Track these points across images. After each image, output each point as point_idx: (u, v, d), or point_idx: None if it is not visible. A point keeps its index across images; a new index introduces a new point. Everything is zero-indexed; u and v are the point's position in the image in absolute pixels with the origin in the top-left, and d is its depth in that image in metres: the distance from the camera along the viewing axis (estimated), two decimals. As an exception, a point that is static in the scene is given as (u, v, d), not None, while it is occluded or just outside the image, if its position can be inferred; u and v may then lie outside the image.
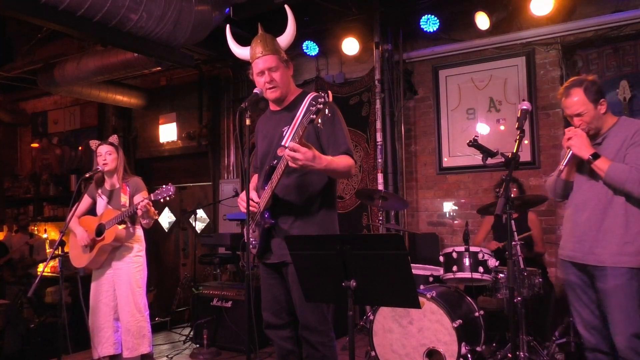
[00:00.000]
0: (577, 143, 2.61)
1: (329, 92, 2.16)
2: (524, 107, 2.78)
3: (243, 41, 2.78)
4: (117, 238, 3.71)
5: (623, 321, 2.56)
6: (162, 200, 3.51)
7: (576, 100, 2.66)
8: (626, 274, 2.54)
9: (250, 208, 2.49)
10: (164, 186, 3.51)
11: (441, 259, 3.94)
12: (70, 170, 8.47)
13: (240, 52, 2.75)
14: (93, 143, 3.91)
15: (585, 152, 2.59)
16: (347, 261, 2.07)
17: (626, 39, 4.80)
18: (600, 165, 2.56)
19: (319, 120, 2.14)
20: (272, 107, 2.71)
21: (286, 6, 2.71)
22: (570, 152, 2.64)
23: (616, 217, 2.59)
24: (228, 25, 2.90)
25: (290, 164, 2.26)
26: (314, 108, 2.13)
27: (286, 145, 2.26)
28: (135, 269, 3.82)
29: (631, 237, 2.56)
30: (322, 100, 2.11)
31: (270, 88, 2.55)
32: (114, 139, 3.95)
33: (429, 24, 5.26)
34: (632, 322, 2.54)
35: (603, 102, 2.67)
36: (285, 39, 2.64)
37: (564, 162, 2.67)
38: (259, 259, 2.66)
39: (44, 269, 3.64)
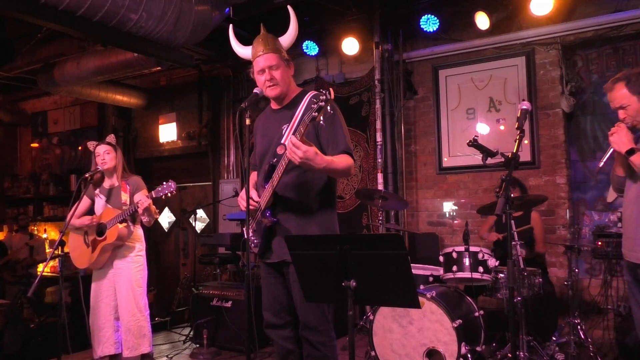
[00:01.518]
0: (616, 139, 2.60)
1: (330, 89, 2.16)
2: (524, 107, 2.78)
3: (243, 41, 2.78)
4: (119, 237, 3.70)
5: None
6: (163, 197, 3.51)
7: (619, 93, 2.64)
8: None
9: (250, 207, 2.49)
10: (164, 183, 3.52)
11: (441, 259, 3.94)
12: (70, 170, 8.47)
13: (243, 51, 2.76)
14: (91, 144, 3.92)
15: (623, 147, 2.57)
16: (347, 261, 2.07)
17: (626, 39, 4.81)
18: (635, 160, 2.53)
19: (321, 118, 2.14)
20: (273, 105, 2.71)
21: (289, 6, 2.71)
22: (612, 148, 2.65)
23: None
24: (231, 25, 2.90)
25: (289, 156, 2.25)
26: (315, 106, 2.13)
27: (286, 143, 2.25)
28: (136, 269, 3.82)
29: None
30: (324, 97, 2.11)
31: (270, 86, 2.56)
32: (111, 138, 3.96)
33: (429, 24, 5.26)
34: None
35: None
36: (287, 39, 2.64)
37: (605, 157, 2.69)
38: (259, 258, 2.66)
39: (44, 269, 3.63)
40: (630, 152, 2.54)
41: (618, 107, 2.66)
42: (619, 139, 2.58)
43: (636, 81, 2.61)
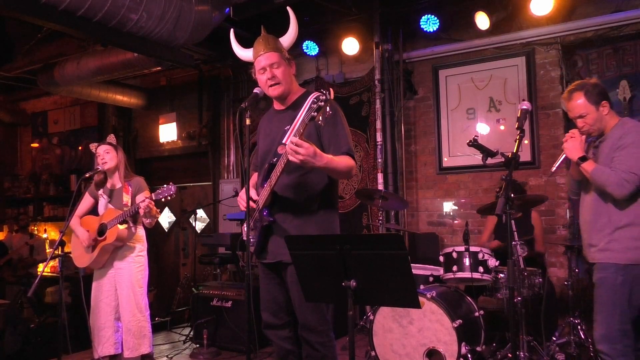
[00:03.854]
0: (569, 146, 2.76)
1: (330, 89, 2.17)
2: (524, 107, 2.81)
3: (243, 42, 2.78)
4: (119, 238, 3.70)
5: (602, 312, 2.71)
6: (163, 199, 3.51)
7: (578, 103, 2.77)
8: (610, 267, 2.68)
9: (250, 207, 2.49)
10: (164, 186, 3.51)
11: (441, 258, 3.94)
12: (70, 170, 8.48)
13: (244, 54, 2.75)
14: (92, 146, 3.93)
15: (575, 154, 2.73)
16: (347, 261, 2.07)
17: (626, 39, 4.80)
18: (587, 167, 2.70)
19: (320, 118, 2.14)
20: (276, 106, 2.71)
21: (288, 7, 2.71)
22: (564, 154, 2.81)
23: (605, 217, 2.72)
24: (232, 30, 2.89)
25: (291, 158, 2.25)
26: (315, 106, 2.14)
27: (287, 143, 2.26)
28: (137, 269, 3.82)
29: (617, 235, 2.68)
30: (324, 97, 2.12)
31: (272, 85, 2.55)
32: (111, 138, 3.97)
33: (429, 23, 5.27)
34: (610, 314, 2.68)
35: (605, 104, 2.76)
36: (287, 40, 2.64)
37: (557, 163, 2.87)
38: (257, 258, 2.66)
39: (44, 269, 3.64)
40: (583, 159, 2.71)
41: (577, 117, 2.79)
42: (572, 147, 2.74)
43: (593, 91, 2.75)
